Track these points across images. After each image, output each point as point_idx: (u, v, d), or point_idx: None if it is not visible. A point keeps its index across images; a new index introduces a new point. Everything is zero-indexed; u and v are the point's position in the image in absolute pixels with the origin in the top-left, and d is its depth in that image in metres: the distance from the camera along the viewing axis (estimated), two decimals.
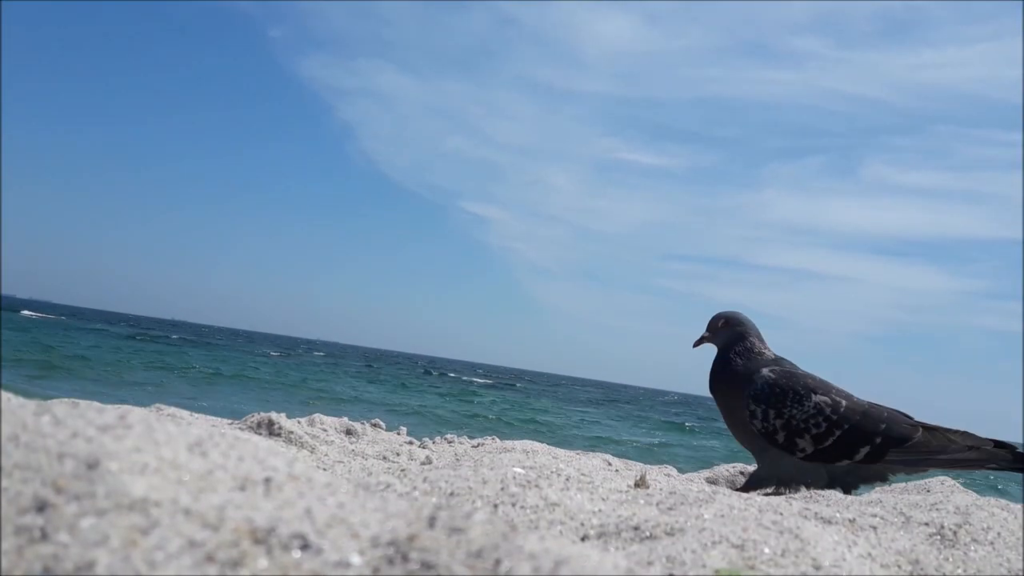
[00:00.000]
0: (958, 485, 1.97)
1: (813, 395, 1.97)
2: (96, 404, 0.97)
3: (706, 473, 2.67)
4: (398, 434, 2.40)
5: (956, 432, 2.00)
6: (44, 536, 0.72)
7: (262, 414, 1.71)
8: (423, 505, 0.81)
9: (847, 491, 1.98)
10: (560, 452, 2.52)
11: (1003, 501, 1.54)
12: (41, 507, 0.75)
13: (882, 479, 2.04)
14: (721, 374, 2.12)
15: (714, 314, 2.20)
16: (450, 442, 2.41)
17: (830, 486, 1.98)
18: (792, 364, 2.10)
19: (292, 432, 1.68)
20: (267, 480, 0.86)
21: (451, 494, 1.25)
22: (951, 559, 1.23)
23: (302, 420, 2.11)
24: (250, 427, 1.71)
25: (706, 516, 1.21)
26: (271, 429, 1.65)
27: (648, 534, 1.15)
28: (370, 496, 0.81)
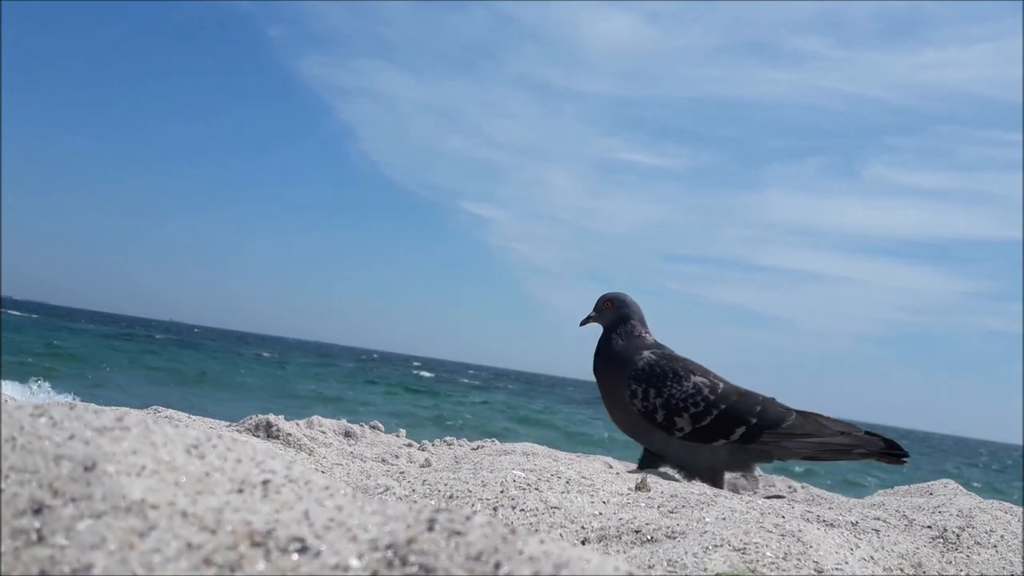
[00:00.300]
0: (961, 488, 1.96)
1: (692, 376, 2.03)
2: (93, 406, 0.97)
3: None
4: (397, 436, 2.39)
5: (830, 419, 2.05)
6: (41, 539, 0.72)
7: (260, 416, 1.70)
8: (422, 508, 0.80)
9: (712, 482, 2.01)
10: (560, 454, 2.52)
11: (1006, 504, 1.54)
12: (38, 509, 0.74)
13: (757, 461, 2.09)
14: (604, 355, 2.17)
15: (602, 295, 2.25)
16: (449, 444, 2.41)
17: (709, 466, 2.02)
18: (670, 350, 2.16)
19: (290, 434, 1.67)
20: (265, 483, 0.86)
21: (450, 497, 1.25)
22: (954, 562, 1.22)
23: (300, 422, 2.10)
24: (248, 429, 1.71)
25: (707, 519, 1.21)
26: (269, 431, 1.64)
27: (649, 537, 1.14)
28: (369, 499, 0.81)
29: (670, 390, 2.00)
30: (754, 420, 1.99)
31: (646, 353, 2.10)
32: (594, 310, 2.23)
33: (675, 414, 1.99)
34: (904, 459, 2.00)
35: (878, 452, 1.99)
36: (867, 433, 2.02)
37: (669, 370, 2.04)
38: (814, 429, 2.00)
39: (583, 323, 2.25)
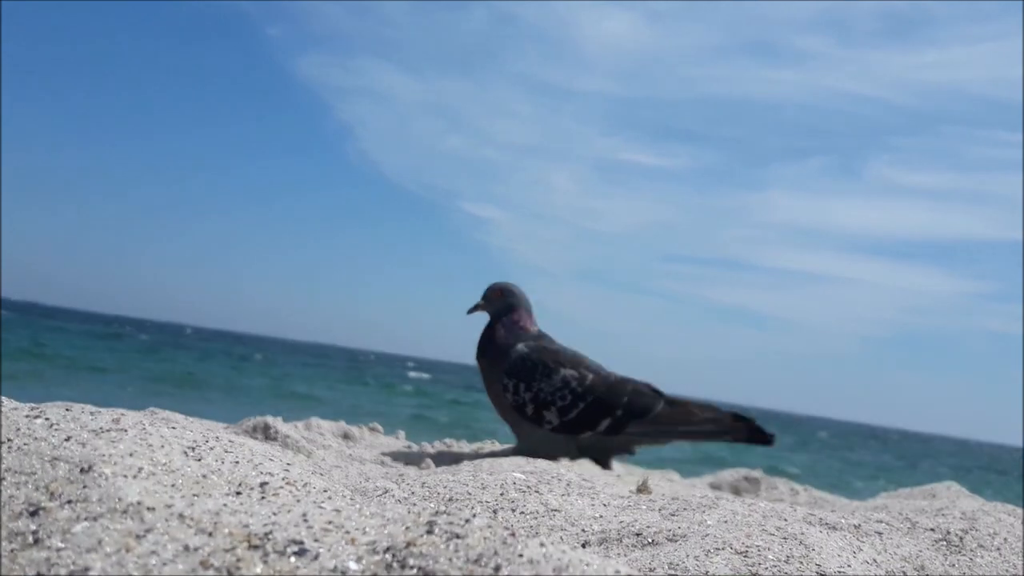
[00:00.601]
0: (964, 490, 1.96)
1: (561, 369, 2.05)
2: (90, 407, 0.96)
3: (709, 478, 2.65)
4: (396, 438, 2.38)
5: (699, 405, 2.10)
6: (37, 541, 0.71)
7: (258, 418, 1.70)
8: (421, 511, 0.80)
9: (599, 463, 2.06)
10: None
11: (1010, 506, 1.53)
12: (34, 512, 0.74)
13: (627, 450, 2.13)
14: (486, 346, 2.19)
15: (492, 284, 2.24)
16: (449, 446, 2.40)
17: (582, 457, 2.06)
18: (551, 340, 2.16)
19: (288, 436, 1.66)
20: (263, 485, 0.85)
21: (450, 499, 1.24)
22: (957, 565, 1.22)
23: (298, 424, 2.09)
24: (246, 431, 1.70)
25: (709, 522, 1.20)
26: (267, 433, 1.63)
27: (650, 540, 1.13)
28: (367, 501, 0.80)
29: (539, 384, 2.03)
30: (619, 412, 2.03)
31: (520, 346, 2.10)
32: (483, 298, 2.22)
33: (543, 408, 2.02)
34: (770, 442, 2.06)
35: (746, 437, 2.06)
36: (734, 418, 2.06)
37: (539, 363, 2.05)
38: (681, 417, 2.04)
39: (471, 311, 2.22)
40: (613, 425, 2.02)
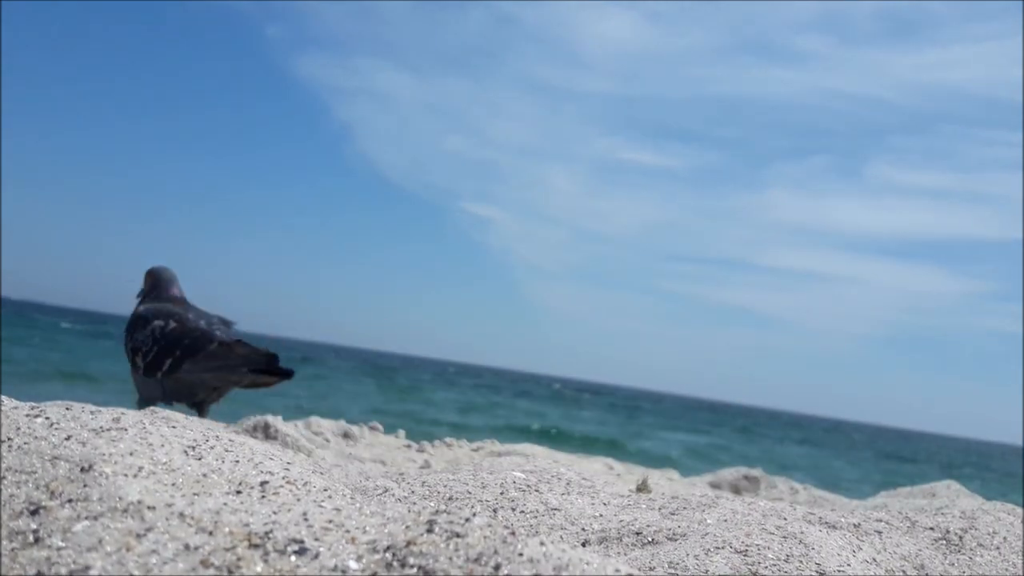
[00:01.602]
0: (963, 489, 1.96)
1: (155, 320, 2.37)
2: (90, 407, 0.96)
3: (708, 477, 2.65)
4: (396, 437, 2.38)
5: (242, 344, 2.34)
6: (38, 540, 0.71)
7: (258, 417, 1.70)
8: (421, 510, 0.80)
9: (196, 409, 2.31)
10: (560, 456, 2.52)
11: (1009, 505, 1.53)
12: (35, 511, 0.74)
13: (194, 390, 2.34)
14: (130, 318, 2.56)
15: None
16: (449, 446, 2.40)
17: (166, 399, 2.33)
18: (188, 306, 2.47)
19: (289, 435, 1.67)
20: (263, 484, 0.85)
21: (450, 498, 1.24)
22: (956, 564, 1.22)
23: (299, 423, 2.10)
24: (246, 430, 1.70)
25: (709, 521, 1.20)
26: (267, 432, 1.64)
27: (650, 539, 1.13)
28: (368, 500, 0.80)
29: (136, 335, 2.37)
30: (178, 352, 2.29)
31: (140, 307, 2.45)
32: (143, 283, 2.59)
33: (135, 354, 2.35)
34: (289, 375, 2.28)
35: (261, 368, 2.28)
36: (263, 353, 2.30)
37: (140, 317, 2.39)
38: (223, 354, 2.30)
39: (137, 295, 2.59)
40: (173, 364, 2.29)
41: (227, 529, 0.72)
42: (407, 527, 0.73)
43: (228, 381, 2.30)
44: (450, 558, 0.67)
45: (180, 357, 2.29)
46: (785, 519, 1.22)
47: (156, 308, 2.42)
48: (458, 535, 0.70)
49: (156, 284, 2.54)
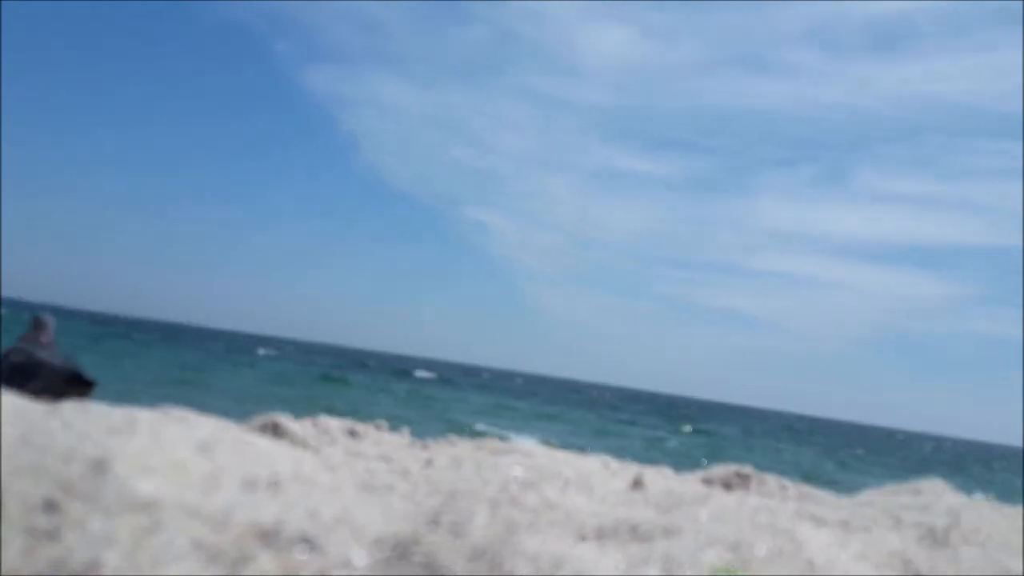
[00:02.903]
0: (948, 487, 1.98)
1: (9, 356, 3.71)
2: (104, 406, 0.98)
3: (701, 474, 2.68)
4: (401, 435, 2.41)
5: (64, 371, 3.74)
6: (52, 536, 0.73)
7: (268, 416, 1.73)
8: (425, 506, 0.82)
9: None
10: (559, 454, 2.53)
11: (993, 503, 1.56)
12: (50, 508, 0.76)
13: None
14: None
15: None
16: (452, 444, 2.42)
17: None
18: (48, 349, 3.83)
19: (297, 433, 1.69)
20: (272, 481, 0.87)
21: (453, 495, 1.26)
22: (942, 559, 1.24)
23: (306, 422, 2.12)
24: (256, 429, 1.72)
25: (702, 517, 1.22)
26: (276, 431, 1.66)
27: (645, 534, 1.16)
28: (373, 497, 0.83)
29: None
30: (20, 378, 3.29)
31: (9, 347, 3.80)
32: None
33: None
34: (89, 387, 3.39)
35: (66, 380, 3.35)
36: (71, 371, 3.63)
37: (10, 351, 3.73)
38: (46, 375, 3.54)
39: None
40: (18, 384, 3.24)
41: (237, 525, 0.74)
42: (412, 523, 0.75)
43: (51, 394, 3.16)
44: (453, 553, 0.70)
45: (21, 381, 3.29)
46: (775, 515, 1.24)
47: (21, 348, 3.67)
48: (461, 531, 0.72)
49: (32, 328, 3.83)
